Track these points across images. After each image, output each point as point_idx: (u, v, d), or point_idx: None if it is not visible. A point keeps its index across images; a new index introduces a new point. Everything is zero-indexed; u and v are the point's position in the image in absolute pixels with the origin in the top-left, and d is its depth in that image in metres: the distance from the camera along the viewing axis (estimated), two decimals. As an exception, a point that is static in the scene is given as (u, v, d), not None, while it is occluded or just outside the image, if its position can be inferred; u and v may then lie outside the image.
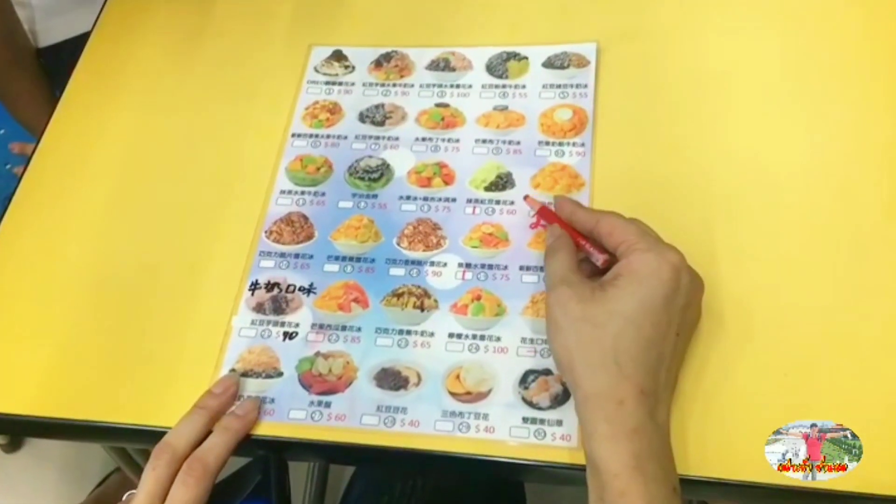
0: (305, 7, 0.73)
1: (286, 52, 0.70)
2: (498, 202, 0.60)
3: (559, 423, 0.50)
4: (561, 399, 0.51)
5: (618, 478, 0.42)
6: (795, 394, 0.49)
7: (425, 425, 0.51)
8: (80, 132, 0.69)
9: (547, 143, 0.62)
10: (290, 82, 0.68)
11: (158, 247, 0.61)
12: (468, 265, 0.57)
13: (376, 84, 0.67)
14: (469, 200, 0.60)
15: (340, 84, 0.68)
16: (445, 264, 0.57)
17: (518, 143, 0.62)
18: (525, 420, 0.51)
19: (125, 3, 0.76)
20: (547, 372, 0.52)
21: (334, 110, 0.66)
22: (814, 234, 0.54)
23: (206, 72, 0.70)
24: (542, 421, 0.50)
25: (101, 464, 1.34)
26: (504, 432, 0.50)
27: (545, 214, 0.56)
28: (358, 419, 0.52)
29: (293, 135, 0.65)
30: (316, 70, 0.69)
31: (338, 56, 0.69)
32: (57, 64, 0.76)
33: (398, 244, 0.59)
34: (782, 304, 0.52)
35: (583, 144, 0.61)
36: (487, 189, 0.60)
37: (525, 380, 0.52)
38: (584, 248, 0.52)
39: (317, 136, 0.65)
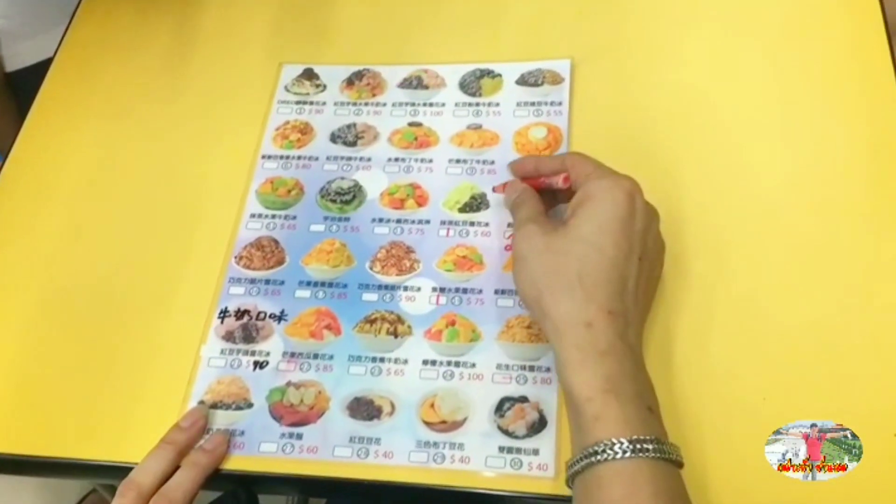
0: (275, 25, 0.71)
1: (256, 71, 0.68)
2: (472, 224, 0.58)
3: (535, 451, 0.49)
4: (537, 427, 0.50)
5: (591, 402, 0.42)
6: (773, 419, 0.48)
7: (399, 456, 0.50)
8: (44, 155, 0.67)
9: (521, 163, 0.61)
10: (260, 102, 0.66)
11: (124, 274, 0.60)
12: (442, 289, 0.56)
13: (348, 103, 0.66)
14: (443, 222, 0.59)
15: (311, 103, 0.66)
16: (419, 289, 0.56)
17: (492, 162, 0.61)
18: (501, 449, 0.49)
19: (90, 25, 0.75)
20: (523, 399, 0.51)
21: (305, 130, 0.65)
22: (796, 240, 0.54)
23: (172, 93, 0.69)
24: (518, 450, 0.49)
25: (79, 484, 1.32)
26: (480, 462, 0.49)
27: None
28: (330, 451, 0.51)
29: (263, 156, 0.64)
30: (286, 89, 0.67)
31: (309, 75, 0.68)
32: (26, 88, 0.75)
33: (371, 268, 0.57)
34: (770, 315, 0.52)
35: (558, 163, 0.60)
36: (461, 210, 0.59)
37: (501, 407, 0.51)
38: (545, 183, 0.53)
39: (287, 157, 0.64)
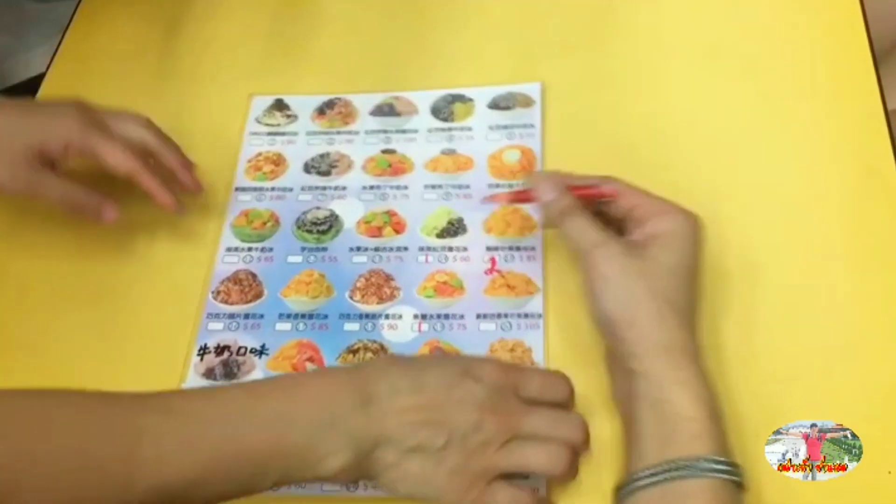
0: (244, 56, 0.71)
1: (225, 103, 0.68)
2: (451, 249, 0.58)
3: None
4: (526, 451, 0.49)
5: (693, 421, 0.43)
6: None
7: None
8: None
9: (497, 186, 0.61)
10: (231, 134, 0.66)
11: (99, 315, 0.59)
12: (424, 316, 0.56)
13: (320, 132, 0.66)
14: (421, 248, 0.59)
15: (283, 134, 0.66)
16: (401, 316, 0.56)
17: (468, 186, 0.61)
18: (491, 476, 0.49)
19: (79, 47, 0.74)
20: (510, 424, 0.51)
21: (278, 161, 0.64)
22: (781, 265, 0.54)
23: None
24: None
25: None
26: (470, 490, 0.49)
27: (522, 197, 0.54)
28: (319, 485, 0.50)
29: (237, 189, 0.63)
30: (257, 121, 0.67)
31: (279, 105, 0.68)
32: None
33: (351, 298, 0.57)
34: (757, 351, 0.52)
35: (533, 186, 0.60)
36: (439, 236, 0.59)
37: (488, 433, 0.51)
38: (589, 193, 0.51)
39: (261, 189, 0.63)
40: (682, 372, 0.45)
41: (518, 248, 0.58)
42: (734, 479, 0.42)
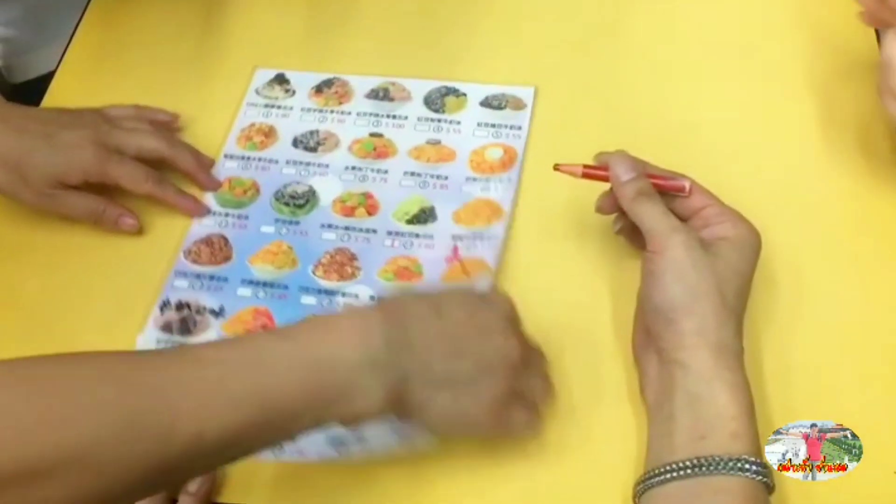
0: (252, 29, 0.73)
1: (230, 74, 0.70)
2: (417, 235, 0.59)
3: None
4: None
5: (735, 420, 0.44)
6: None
7: (310, 455, 0.51)
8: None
9: (474, 180, 0.62)
10: (231, 104, 0.68)
11: (74, 251, 0.61)
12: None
13: (314, 109, 0.67)
14: (389, 233, 0.60)
15: (279, 108, 0.68)
16: (357, 296, 0.57)
17: (446, 178, 0.62)
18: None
19: (92, 40, 0.76)
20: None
21: (269, 133, 0.66)
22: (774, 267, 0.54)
23: (157, 92, 0.69)
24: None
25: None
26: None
27: (594, 174, 0.53)
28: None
29: (225, 156, 0.65)
30: (256, 92, 0.69)
31: (280, 79, 0.69)
32: (32, 100, 0.76)
33: (314, 272, 0.58)
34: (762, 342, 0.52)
35: (509, 179, 0.61)
36: (409, 222, 0.60)
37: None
38: (663, 184, 0.51)
39: (249, 158, 0.65)
40: (731, 373, 0.45)
41: (482, 238, 0.58)
42: (765, 480, 0.43)
